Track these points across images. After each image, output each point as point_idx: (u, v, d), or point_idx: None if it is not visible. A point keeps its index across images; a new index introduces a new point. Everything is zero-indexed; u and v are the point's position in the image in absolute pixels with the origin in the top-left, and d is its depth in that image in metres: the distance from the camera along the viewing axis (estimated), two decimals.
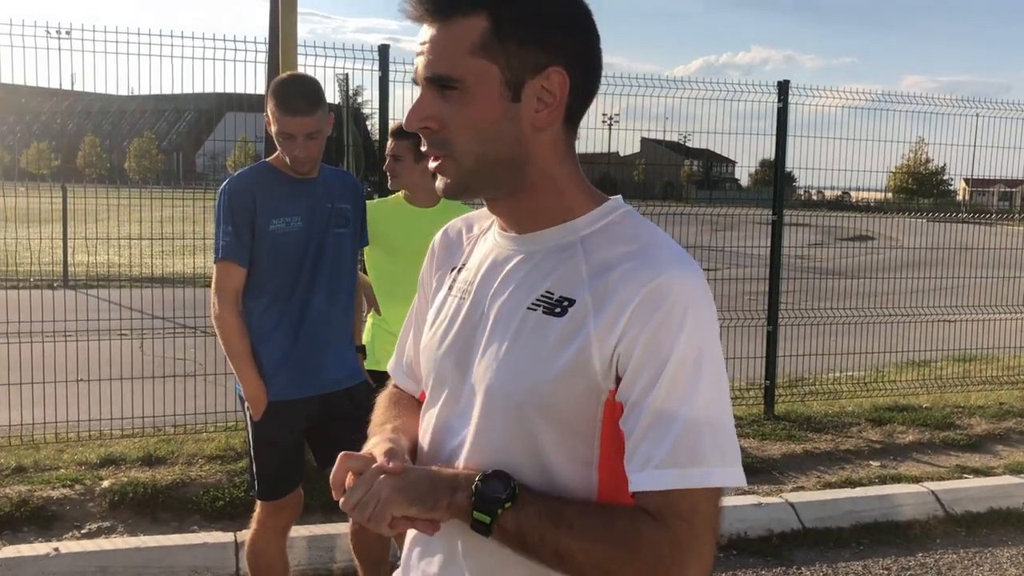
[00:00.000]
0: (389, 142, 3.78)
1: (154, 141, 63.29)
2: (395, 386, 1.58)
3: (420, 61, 1.20)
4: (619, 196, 1.32)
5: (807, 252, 10.66)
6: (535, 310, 1.22)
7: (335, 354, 3.26)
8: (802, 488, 5.44)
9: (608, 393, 1.17)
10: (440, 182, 1.25)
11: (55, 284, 10.39)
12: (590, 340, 1.16)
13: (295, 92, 3.01)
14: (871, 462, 5.94)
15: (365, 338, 3.86)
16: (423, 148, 1.25)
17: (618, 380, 1.16)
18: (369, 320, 3.92)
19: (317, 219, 3.15)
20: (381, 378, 3.67)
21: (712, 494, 1.14)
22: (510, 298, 1.25)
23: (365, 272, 3.90)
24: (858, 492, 5.36)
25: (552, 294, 1.21)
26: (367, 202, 3.67)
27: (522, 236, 1.29)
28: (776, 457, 5.89)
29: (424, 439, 1.37)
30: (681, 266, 1.17)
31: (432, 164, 1.24)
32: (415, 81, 1.22)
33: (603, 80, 5.59)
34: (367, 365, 3.70)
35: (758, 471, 5.65)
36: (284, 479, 3.25)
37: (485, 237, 1.39)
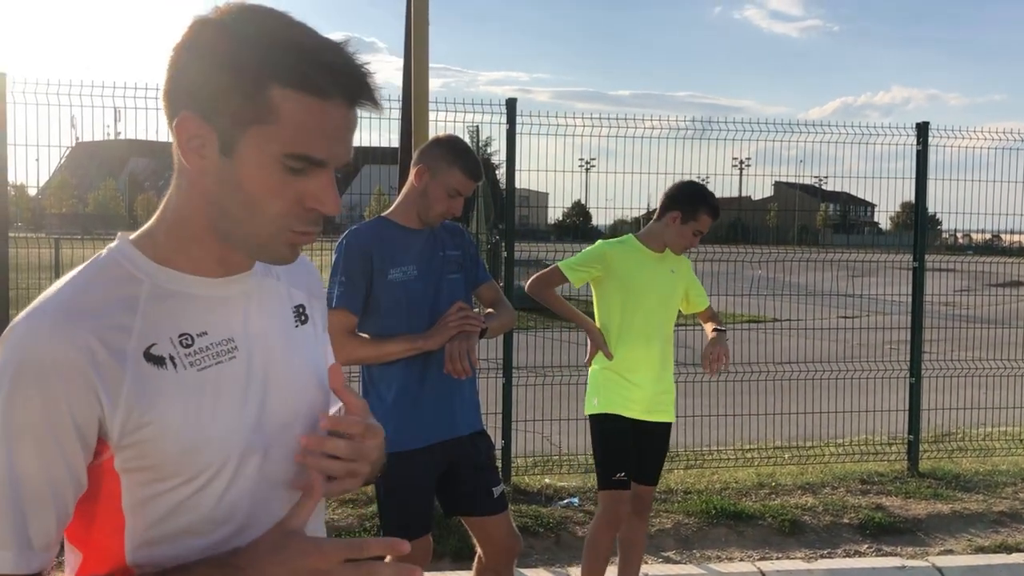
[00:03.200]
0: (710, 223, 3.87)
1: None
2: None
3: (343, 148, 1.17)
4: None
5: (953, 299, 10.11)
6: (298, 325, 1.37)
7: (460, 400, 3.30)
8: (951, 552, 5.10)
9: None
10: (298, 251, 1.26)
11: None
12: (319, 327, 1.44)
13: (475, 158, 3.29)
14: None
15: (592, 384, 3.94)
16: (308, 228, 1.20)
17: None
18: (595, 366, 3.95)
19: (431, 267, 3.26)
20: (611, 421, 3.83)
21: None
22: (278, 325, 1.32)
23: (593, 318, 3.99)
24: (1015, 558, 4.98)
25: (297, 306, 1.38)
26: (605, 242, 3.98)
27: (243, 274, 1.28)
28: (921, 517, 5.56)
29: (233, 517, 1.22)
30: None
31: (307, 238, 1.22)
32: (319, 163, 1.15)
33: (732, 125, 5.41)
34: (597, 408, 3.86)
35: (901, 531, 5.35)
36: (411, 527, 3.29)
37: (170, 294, 1.20)
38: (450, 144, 3.31)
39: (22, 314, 1.14)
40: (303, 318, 1.37)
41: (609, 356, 3.86)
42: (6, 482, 1.10)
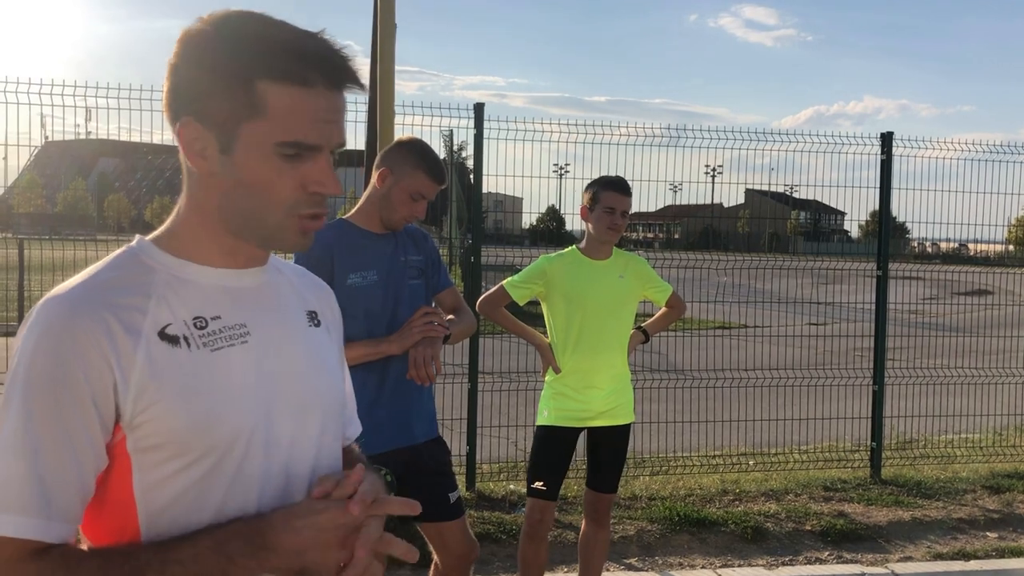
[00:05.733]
0: (615, 197, 3.82)
1: None
2: (56, 546, 1.13)
3: (335, 131, 1.24)
4: None
5: (920, 307, 10.23)
6: (312, 327, 1.40)
7: (418, 407, 3.28)
8: (910, 558, 5.14)
9: None
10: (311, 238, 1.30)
11: None
12: (334, 339, 1.48)
13: (439, 161, 3.29)
14: (988, 533, 5.58)
15: (543, 396, 3.95)
16: (316, 211, 1.25)
17: None
18: (548, 377, 3.95)
19: (392, 272, 3.22)
20: (552, 434, 3.85)
21: None
22: (290, 319, 1.36)
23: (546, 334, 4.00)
24: (973, 565, 5.03)
25: (310, 311, 1.41)
26: (545, 257, 3.97)
27: (256, 269, 1.33)
28: (882, 524, 5.60)
29: (250, 496, 1.24)
30: None
31: (317, 223, 1.27)
32: (312, 147, 1.22)
33: (705, 133, 5.37)
34: (546, 421, 3.88)
35: (863, 538, 5.39)
36: None
37: (184, 282, 1.25)
38: (414, 146, 3.28)
39: (43, 297, 1.20)
40: (316, 322, 1.41)
41: (557, 370, 3.87)
42: (26, 446, 1.12)
